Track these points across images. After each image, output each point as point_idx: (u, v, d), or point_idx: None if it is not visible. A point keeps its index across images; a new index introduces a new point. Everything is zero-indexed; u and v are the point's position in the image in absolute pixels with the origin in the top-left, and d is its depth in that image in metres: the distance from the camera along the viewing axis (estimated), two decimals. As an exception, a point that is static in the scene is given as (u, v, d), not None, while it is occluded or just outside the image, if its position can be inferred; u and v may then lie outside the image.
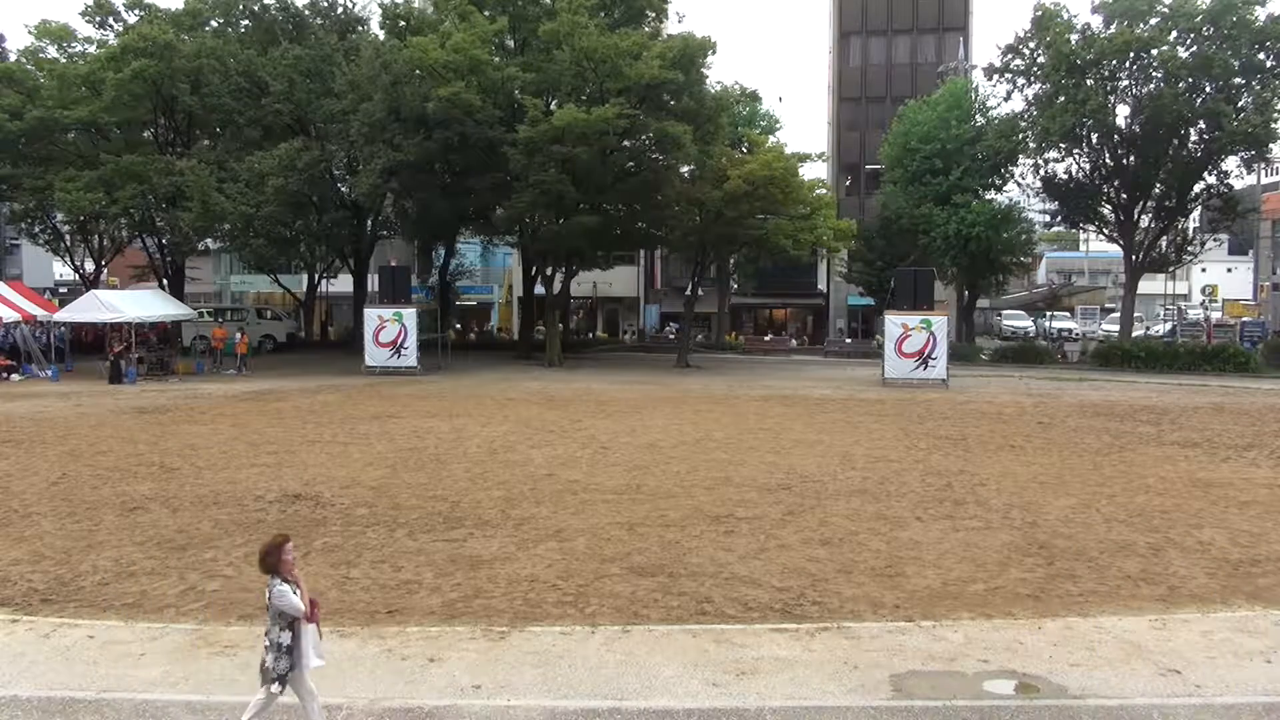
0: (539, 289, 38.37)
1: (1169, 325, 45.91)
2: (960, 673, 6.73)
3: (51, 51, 38.04)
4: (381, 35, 36.49)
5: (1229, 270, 67.15)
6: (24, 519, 11.07)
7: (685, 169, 34.87)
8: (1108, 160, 36.04)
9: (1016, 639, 7.36)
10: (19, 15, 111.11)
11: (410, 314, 31.07)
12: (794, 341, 47.89)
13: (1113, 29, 33.55)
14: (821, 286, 51.48)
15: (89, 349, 34.11)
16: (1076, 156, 36.82)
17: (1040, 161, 37.89)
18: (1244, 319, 42.68)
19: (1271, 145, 34.56)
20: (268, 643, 5.43)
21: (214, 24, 38.65)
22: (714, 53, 32.68)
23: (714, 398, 24.63)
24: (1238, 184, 38.28)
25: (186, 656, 6.94)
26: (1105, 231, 38.69)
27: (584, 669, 6.70)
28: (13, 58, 39.57)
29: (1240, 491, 12.90)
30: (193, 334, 37.04)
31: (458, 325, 52.74)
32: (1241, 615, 7.98)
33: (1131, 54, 32.98)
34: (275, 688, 5.38)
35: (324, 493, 12.40)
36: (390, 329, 30.85)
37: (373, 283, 37.22)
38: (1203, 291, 61.97)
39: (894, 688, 6.45)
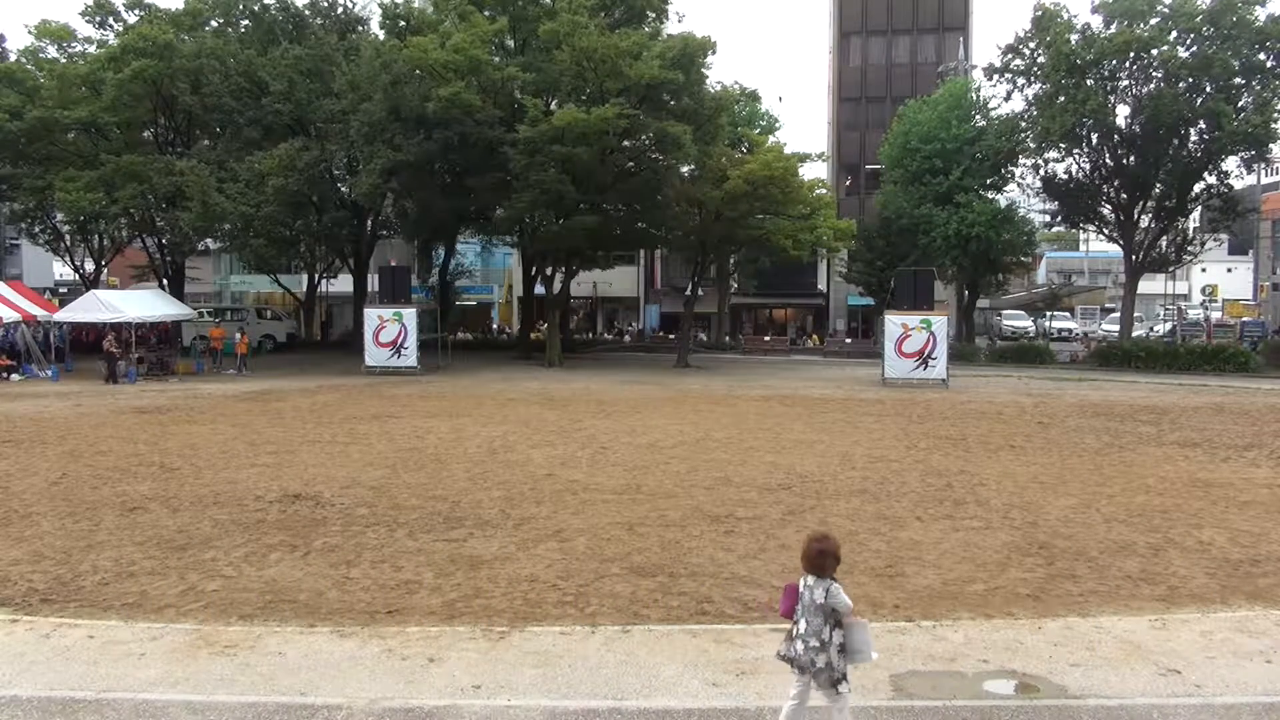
0: (539, 289, 38.38)
1: (1169, 325, 45.92)
2: (960, 673, 6.72)
3: (51, 51, 38.07)
4: (381, 35, 36.52)
5: (1229, 270, 67.19)
6: (24, 519, 11.06)
7: (685, 169, 34.89)
8: (1108, 160, 36.05)
9: (1016, 639, 7.35)
10: (19, 15, 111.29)
11: (410, 314, 31.09)
12: (809, 341, 47.78)
13: (1113, 29, 33.57)
14: (821, 286, 51.50)
15: (89, 349, 34.14)
16: (1076, 156, 36.83)
17: (1040, 161, 37.94)
18: (1244, 319, 42.72)
19: (1271, 145, 34.60)
20: (816, 643, 5.32)
21: (214, 24, 38.72)
22: (714, 53, 32.75)
23: (714, 398, 24.62)
24: (1238, 184, 38.31)
25: (186, 656, 6.93)
26: (1105, 231, 38.70)
27: (584, 669, 6.69)
28: (13, 58, 39.59)
29: (1240, 491, 12.88)
30: (193, 334, 37.06)
31: (494, 326, 53.30)
32: (1241, 615, 7.96)
33: (1131, 54, 33.00)
34: (843, 686, 5.36)
35: (324, 493, 12.39)
36: (390, 329, 30.88)
37: (373, 283, 37.24)
38: (1203, 291, 62.03)
39: (894, 688, 6.43)
